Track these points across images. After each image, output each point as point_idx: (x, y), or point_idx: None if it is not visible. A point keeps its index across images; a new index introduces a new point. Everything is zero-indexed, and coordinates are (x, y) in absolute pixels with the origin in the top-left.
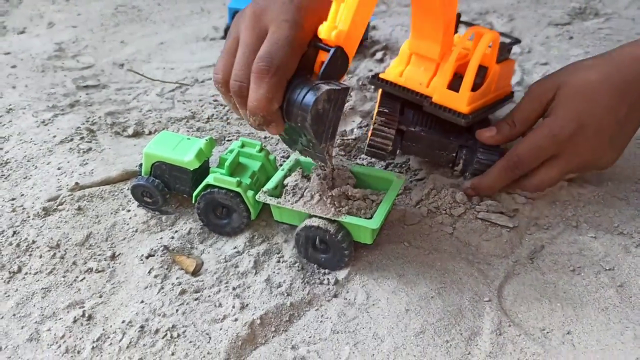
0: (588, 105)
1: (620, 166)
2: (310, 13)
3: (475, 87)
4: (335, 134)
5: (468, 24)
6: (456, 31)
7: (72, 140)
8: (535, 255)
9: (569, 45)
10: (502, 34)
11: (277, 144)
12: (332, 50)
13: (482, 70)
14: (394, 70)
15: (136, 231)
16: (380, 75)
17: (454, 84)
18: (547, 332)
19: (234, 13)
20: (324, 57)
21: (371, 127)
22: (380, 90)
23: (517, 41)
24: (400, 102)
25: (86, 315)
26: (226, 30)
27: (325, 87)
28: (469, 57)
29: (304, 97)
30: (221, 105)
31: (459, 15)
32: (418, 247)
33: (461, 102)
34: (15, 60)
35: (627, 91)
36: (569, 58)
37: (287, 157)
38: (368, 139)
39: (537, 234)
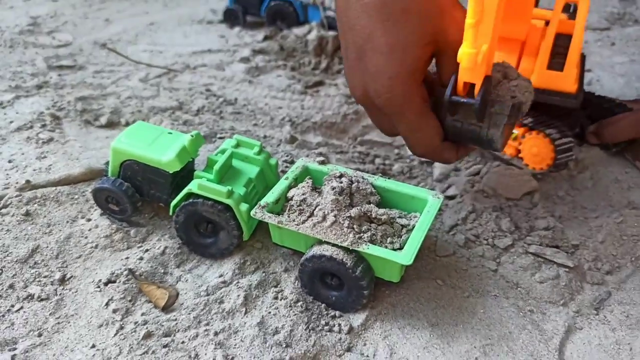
0: None
1: None
2: (404, 73)
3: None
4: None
5: None
6: (536, 5)
7: (31, 127)
8: (601, 305)
9: (612, 52)
10: None
11: (278, 145)
12: (483, 85)
13: (564, 40)
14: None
15: (96, 247)
16: None
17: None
18: None
19: None
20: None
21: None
22: None
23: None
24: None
25: None
26: (225, 13)
27: (497, 133)
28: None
29: (486, 138)
30: (214, 95)
31: None
32: (454, 286)
33: (569, 81)
34: None
35: None
36: (613, 66)
37: (292, 162)
38: (551, 161)
39: (602, 277)
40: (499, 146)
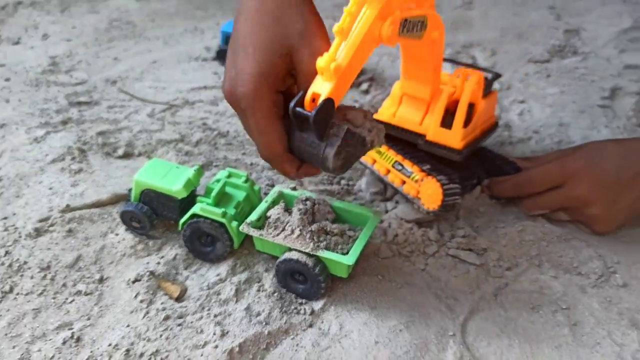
0: (597, 155)
1: None
2: (259, 76)
3: (464, 124)
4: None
5: (451, 61)
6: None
7: (63, 159)
8: (499, 292)
9: (546, 84)
10: (483, 69)
11: (262, 171)
12: (314, 116)
13: (470, 107)
14: (387, 111)
15: (124, 255)
16: (374, 116)
17: (445, 121)
18: None
19: (226, 37)
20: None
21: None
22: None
23: (498, 76)
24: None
25: (75, 337)
26: (218, 52)
27: (330, 151)
28: (457, 95)
29: (321, 157)
30: (209, 129)
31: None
32: (390, 280)
33: (455, 138)
34: (9, 72)
35: (636, 162)
36: (545, 97)
37: (273, 186)
38: (440, 201)
39: (502, 272)
40: (331, 166)
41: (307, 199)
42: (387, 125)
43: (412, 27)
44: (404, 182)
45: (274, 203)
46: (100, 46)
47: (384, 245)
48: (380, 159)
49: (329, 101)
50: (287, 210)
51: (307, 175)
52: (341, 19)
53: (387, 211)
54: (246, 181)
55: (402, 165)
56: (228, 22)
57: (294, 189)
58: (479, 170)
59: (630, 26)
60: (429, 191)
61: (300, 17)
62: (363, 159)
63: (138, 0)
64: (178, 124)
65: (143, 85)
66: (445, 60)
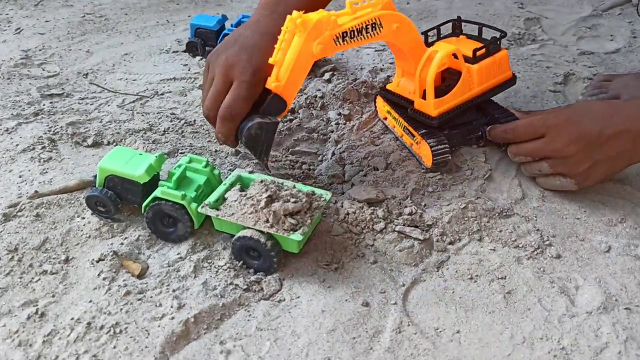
0: (581, 112)
1: (527, 186)
2: (263, 72)
3: (442, 93)
4: (269, 152)
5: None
6: (461, 32)
7: (34, 149)
8: (441, 265)
9: None
10: (489, 26)
11: (225, 157)
12: (269, 97)
13: (456, 75)
14: (395, 81)
15: (89, 237)
16: (387, 87)
17: (438, 90)
18: (440, 331)
19: (195, 29)
20: None
21: (422, 145)
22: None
23: (503, 34)
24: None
25: (39, 312)
26: (187, 45)
27: (257, 119)
28: (448, 64)
29: (244, 125)
30: (177, 118)
31: (459, 18)
32: (341, 255)
33: (429, 108)
34: None
35: (618, 121)
36: None
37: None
38: (431, 160)
39: (444, 246)
40: (242, 134)
41: (262, 181)
42: (392, 93)
43: (357, 33)
44: (412, 144)
45: (232, 185)
46: (73, 40)
47: (336, 223)
48: (397, 125)
49: (280, 99)
50: (244, 192)
51: (226, 140)
52: (274, 52)
53: (342, 193)
54: (206, 166)
55: (408, 130)
56: (198, 15)
57: (251, 172)
58: (482, 124)
59: (589, 14)
60: (424, 152)
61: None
62: (387, 122)
63: None
64: (147, 114)
65: (114, 78)
66: (461, 34)
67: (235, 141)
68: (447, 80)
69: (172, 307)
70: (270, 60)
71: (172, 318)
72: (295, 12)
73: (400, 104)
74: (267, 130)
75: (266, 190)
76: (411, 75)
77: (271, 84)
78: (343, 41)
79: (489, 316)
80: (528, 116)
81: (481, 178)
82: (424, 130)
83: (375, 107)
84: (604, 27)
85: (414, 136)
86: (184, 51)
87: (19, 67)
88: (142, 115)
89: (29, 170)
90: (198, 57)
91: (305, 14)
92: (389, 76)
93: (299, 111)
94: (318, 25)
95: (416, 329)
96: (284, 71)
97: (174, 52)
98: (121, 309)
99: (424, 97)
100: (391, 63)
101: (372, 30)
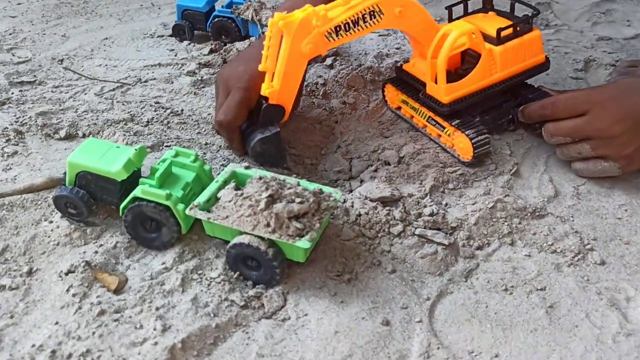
0: (629, 89)
1: (559, 182)
2: (258, 78)
3: (459, 77)
4: (284, 156)
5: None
6: (492, 7)
7: None
8: (469, 274)
9: None
10: (524, 3)
11: (217, 151)
12: (263, 106)
13: (477, 58)
14: (411, 61)
15: (57, 244)
16: (403, 67)
17: (455, 74)
18: (475, 355)
19: (182, 11)
20: None
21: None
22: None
23: (536, 12)
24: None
25: None
26: (174, 28)
27: (258, 136)
28: (468, 45)
29: (248, 146)
30: (162, 107)
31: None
32: (354, 263)
33: (440, 93)
34: None
35: None
36: None
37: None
38: (472, 152)
39: (472, 252)
40: (250, 149)
41: (261, 178)
42: (407, 74)
43: (353, 25)
44: (439, 135)
45: (225, 183)
46: (48, 23)
47: (346, 226)
48: (416, 115)
49: (274, 106)
50: (239, 190)
51: (232, 149)
52: (262, 59)
53: (351, 190)
54: (195, 160)
55: (435, 120)
56: None
57: (248, 167)
58: (512, 106)
59: None
60: (460, 144)
61: None
62: (402, 112)
63: None
64: (128, 103)
65: (92, 64)
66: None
67: (242, 149)
68: (466, 62)
69: (155, 329)
70: (260, 68)
71: (155, 343)
72: (277, 15)
73: (416, 87)
74: (271, 142)
75: (266, 188)
76: (424, 56)
77: (265, 90)
78: (337, 36)
79: (532, 336)
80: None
81: (507, 173)
82: (457, 120)
83: (384, 95)
84: (619, 13)
85: (443, 127)
86: (170, 35)
87: None
88: (123, 105)
89: None
90: (186, 42)
91: (289, 13)
92: (396, 61)
93: (302, 99)
94: (303, 23)
95: (447, 353)
96: (276, 77)
97: (159, 36)
98: (93, 333)
99: (437, 81)
100: (397, 49)
101: (370, 20)
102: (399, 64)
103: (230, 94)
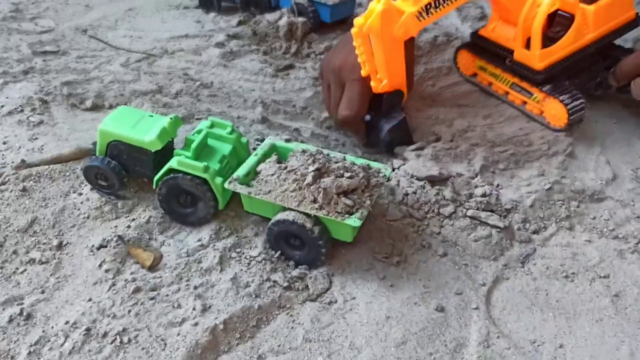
0: None
1: (616, 164)
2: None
3: (551, 41)
4: (411, 139)
5: None
6: None
7: (22, 111)
8: (526, 259)
9: None
10: None
11: (251, 125)
12: (384, 96)
13: (567, 19)
14: (489, 26)
15: (87, 218)
16: (480, 32)
17: (544, 38)
18: (539, 345)
19: None
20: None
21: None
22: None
23: None
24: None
25: (24, 313)
26: (201, 0)
27: (385, 127)
28: (557, 6)
29: (378, 138)
30: (191, 79)
31: None
32: (402, 246)
33: (533, 60)
34: None
35: None
36: None
37: (262, 141)
38: (566, 118)
39: (528, 236)
40: (381, 137)
41: (304, 151)
42: (486, 40)
43: (443, 0)
44: (524, 102)
45: (265, 156)
46: None
47: (392, 205)
48: (496, 82)
49: (393, 92)
50: (282, 163)
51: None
52: (362, 67)
53: (394, 169)
54: (232, 132)
55: (520, 87)
56: None
57: (288, 140)
58: (601, 69)
59: None
60: (552, 111)
61: None
62: (478, 80)
63: None
64: (155, 74)
65: (117, 35)
66: None
67: (365, 138)
68: (554, 25)
69: (194, 309)
70: (363, 74)
71: (196, 324)
72: (355, 23)
73: (496, 53)
74: (398, 129)
75: (313, 162)
76: (508, 21)
77: (377, 88)
78: (427, 14)
79: (597, 326)
80: None
81: (561, 153)
82: (548, 86)
83: (456, 62)
84: None
85: (530, 94)
86: (197, 7)
87: (8, 21)
88: (150, 76)
89: (16, 136)
90: (213, 14)
91: (365, 18)
92: (435, 36)
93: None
94: (385, 14)
95: (508, 342)
96: (381, 70)
97: (184, 8)
98: (129, 311)
99: (527, 46)
100: (435, 24)
101: None
102: (473, 32)
103: (347, 87)
